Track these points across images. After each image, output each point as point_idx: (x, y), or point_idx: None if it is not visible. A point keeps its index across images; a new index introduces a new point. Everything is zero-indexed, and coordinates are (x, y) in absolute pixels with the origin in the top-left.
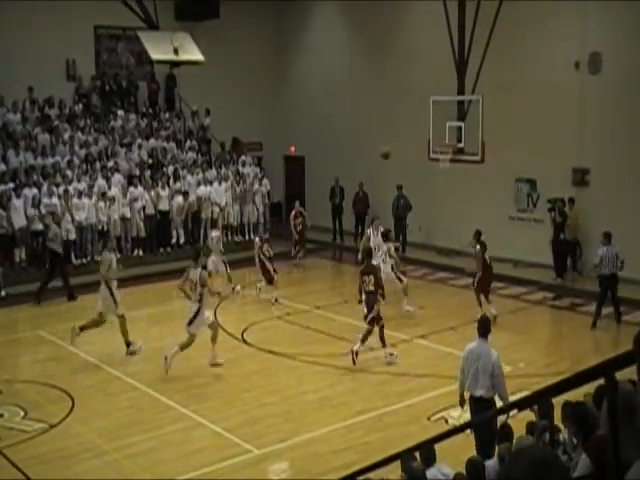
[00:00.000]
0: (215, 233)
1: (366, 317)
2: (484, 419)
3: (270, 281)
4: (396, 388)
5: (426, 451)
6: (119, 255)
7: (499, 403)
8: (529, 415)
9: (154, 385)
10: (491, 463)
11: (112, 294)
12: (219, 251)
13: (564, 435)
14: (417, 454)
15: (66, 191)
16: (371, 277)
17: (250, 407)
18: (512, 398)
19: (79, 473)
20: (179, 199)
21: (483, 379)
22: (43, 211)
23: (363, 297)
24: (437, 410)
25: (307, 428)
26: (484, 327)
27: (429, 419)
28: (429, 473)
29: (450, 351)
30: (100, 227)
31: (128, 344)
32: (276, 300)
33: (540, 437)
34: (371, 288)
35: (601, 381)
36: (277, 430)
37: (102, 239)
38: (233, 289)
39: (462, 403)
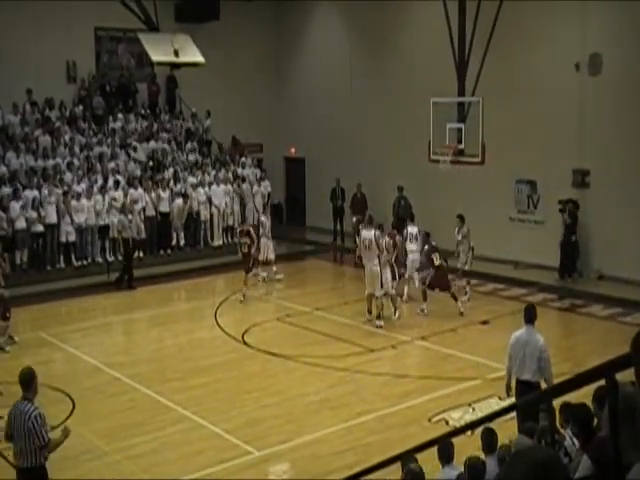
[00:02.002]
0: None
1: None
2: (528, 401)
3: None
4: (397, 389)
5: (445, 449)
6: (120, 257)
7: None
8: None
9: (154, 386)
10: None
11: None
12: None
13: (567, 436)
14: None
15: (65, 193)
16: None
17: (251, 408)
18: (513, 399)
19: (80, 475)
20: (179, 201)
21: (530, 363)
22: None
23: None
24: (438, 411)
25: (308, 429)
26: (530, 314)
27: (430, 420)
28: (444, 472)
29: (451, 352)
30: (102, 223)
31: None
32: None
33: (541, 439)
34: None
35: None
36: (278, 431)
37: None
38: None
39: (509, 390)
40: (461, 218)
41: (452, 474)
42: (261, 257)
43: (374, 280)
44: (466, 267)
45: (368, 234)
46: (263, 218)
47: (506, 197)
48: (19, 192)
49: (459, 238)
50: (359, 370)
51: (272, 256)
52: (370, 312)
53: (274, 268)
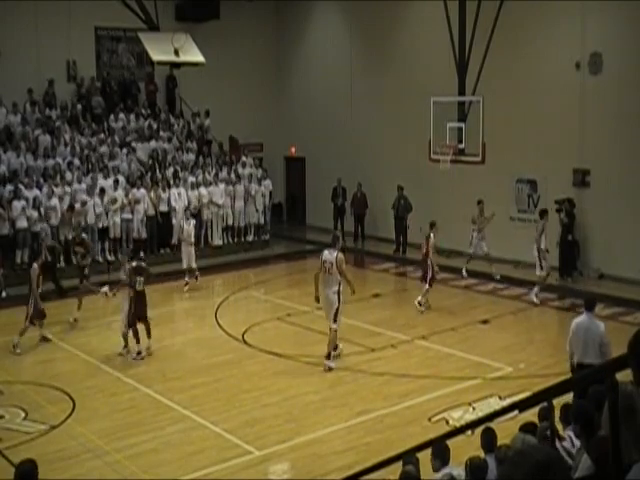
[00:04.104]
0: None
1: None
2: (584, 376)
3: None
4: (396, 389)
5: (440, 451)
6: (120, 257)
7: None
8: (530, 417)
9: (155, 386)
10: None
11: None
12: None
13: (568, 435)
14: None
15: (71, 205)
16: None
17: (251, 408)
18: (514, 399)
19: (80, 474)
20: (179, 200)
21: (593, 348)
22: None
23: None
24: (438, 411)
25: (308, 429)
26: (591, 302)
27: (430, 420)
28: (442, 473)
29: (451, 352)
30: (101, 226)
31: None
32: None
33: (542, 439)
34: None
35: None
36: (278, 431)
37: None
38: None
39: (573, 372)
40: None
41: (451, 475)
42: (184, 265)
43: (329, 309)
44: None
45: (330, 256)
46: (186, 225)
47: (506, 196)
48: (20, 192)
49: (479, 226)
50: (359, 370)
51: (194, 265)
52: (335, 348)
53: (196, 276)
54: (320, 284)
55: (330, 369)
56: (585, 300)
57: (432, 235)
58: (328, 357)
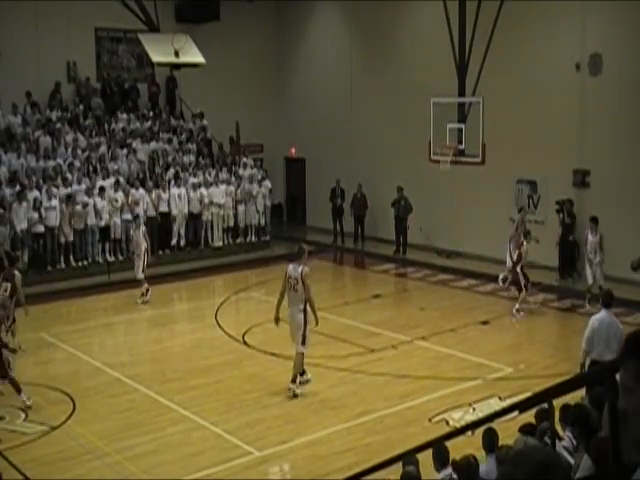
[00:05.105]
0: None
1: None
2: (584, 376)
3: None
4: (397, 390)
5: (440, 452)
6: (120, 257)
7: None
8: (529, 418)
9: (154, 387)
10: (484, 467)
11: None
12: None
13: (567, 435)
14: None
15: (69, 196)
16: None
17: (251, 409)
18: (513, 400)
19: (80, 475)
20: (178, 200)
21: (614, 344)
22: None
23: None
24: (438, 412)
25: (308, 430)
26: (608, 298)
27: (430, 421)
28: (442, 474)
29: (451, 352)
30: (103, 224)
31: None
32: None
33: (542, 439)
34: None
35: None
36: (278, 432)
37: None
38: None
39: (583, 369)
40: (594, 221)
41: (450, 476)
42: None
43: (296, 330)
44: (601, 282)
45: (294, 272)
46: (135, 235)
47: (506, 197)
48: (23, 194)
49: (592, 245)
50: (359, 370)
51: (138, 276)
52: (302, 373)
53: (143, 289)
54: (287, 302)
55: (295, 395)
56: (603, 296)
57: (525, 243)
58: (294, 381)
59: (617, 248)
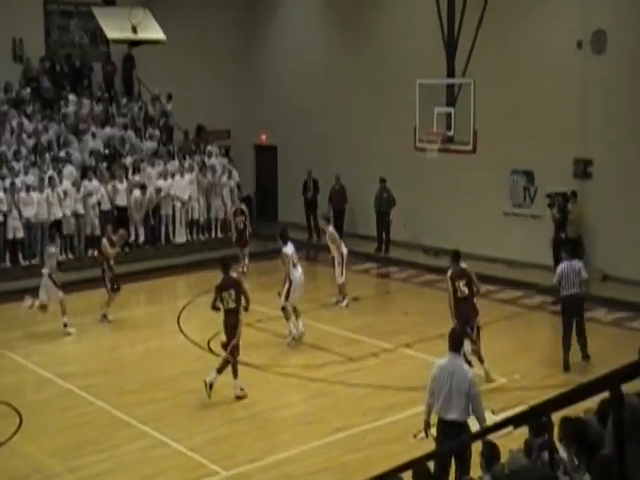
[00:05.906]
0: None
1: None
2: (459, 445)
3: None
4: (379, 403)
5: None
6: (71, 256)
7: (474, 428)
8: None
9: (110, 399)
10: None
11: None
12: None
13: (563, 454)
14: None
15: (12, 184)
16: None
17: (217, 424)
18: (507, 413)
19: None
20: (137, 193)
21: (458, 400)
22: None
23: None
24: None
25: (280, 447)
26: (456, 340)
27: (415, 437)
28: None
29: None
30: (52, 219)
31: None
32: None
33: (538, 457)
34: None
35: (605, 394)
36: (247, 450)
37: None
38: None
39: (428, 429)
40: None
41: None
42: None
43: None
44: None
45: (292, 249)
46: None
47: (500, 189)
48: None
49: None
50: (337, 381)
51: (41, 297)
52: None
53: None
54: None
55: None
56: (449, 337)
57: None
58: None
59: (622, 246)
